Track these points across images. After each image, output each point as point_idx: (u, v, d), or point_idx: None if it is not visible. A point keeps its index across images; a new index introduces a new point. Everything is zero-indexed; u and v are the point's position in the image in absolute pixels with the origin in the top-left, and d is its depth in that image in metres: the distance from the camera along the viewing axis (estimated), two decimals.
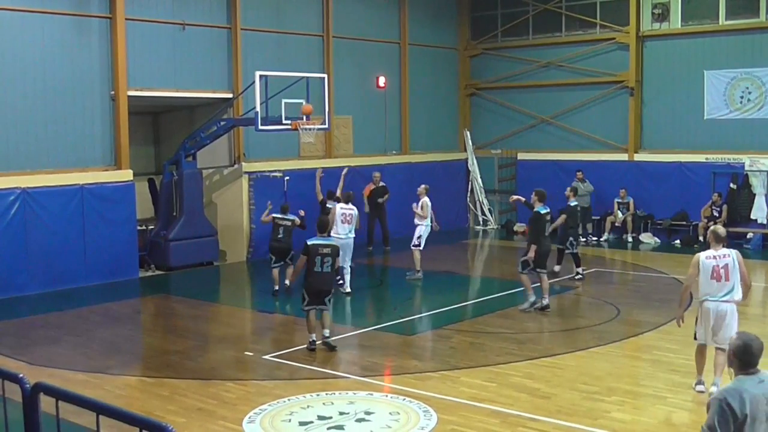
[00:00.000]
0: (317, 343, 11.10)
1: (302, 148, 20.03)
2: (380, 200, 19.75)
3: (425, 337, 12.04)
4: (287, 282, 15.02)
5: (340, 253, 11.93)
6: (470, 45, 24.74)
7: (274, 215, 15.29)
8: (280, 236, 14.98)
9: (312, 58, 20.41)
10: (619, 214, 21.64)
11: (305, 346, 11.19)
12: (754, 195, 20.11)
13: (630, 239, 21.42)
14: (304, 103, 16.90)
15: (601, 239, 21.50)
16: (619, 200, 21.70)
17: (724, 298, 8.94)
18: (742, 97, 20.42)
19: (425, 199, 16.75)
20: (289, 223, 15.04)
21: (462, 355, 11.06)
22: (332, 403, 8.93)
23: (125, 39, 16.61)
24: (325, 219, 11.90)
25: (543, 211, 13.54)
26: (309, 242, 10.90)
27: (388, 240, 20.03)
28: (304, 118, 16.79)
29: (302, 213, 15.58)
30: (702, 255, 9.01)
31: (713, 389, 8.62)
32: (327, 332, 11.12)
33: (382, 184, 19.81)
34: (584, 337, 11.73)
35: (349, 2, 21.32)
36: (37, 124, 15.67)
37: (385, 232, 19.97)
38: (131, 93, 16.84)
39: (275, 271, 15.02)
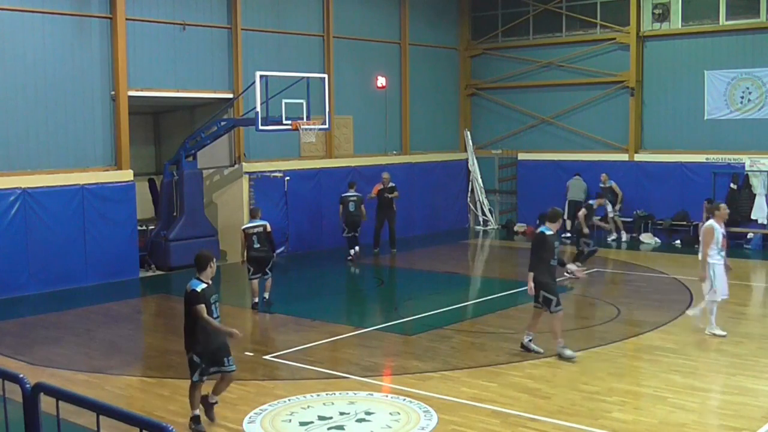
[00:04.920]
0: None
1: (303, 148, 20.03)
2: (389, 195, 19.57)
3: (426, 337, 12.03)
4: (266, 295, 14.05)
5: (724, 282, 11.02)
6: (471, 45, 24.74)
7: (244, 227, 14.00)
8: (256, 246, 13.69)
9: (312, 58, 20.41)
10: (608, 208, 21.30)
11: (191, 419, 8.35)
12: (755, 195, 20.12)
13: (624, 238, 21.33)
14: (303, 103, 16.98)
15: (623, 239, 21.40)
16: (602, 185, 21.37)
17: None
18: (742, 98, 20.42)
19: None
20: (260, 230, 13.77)
21: (462, 356, 11.05)
22: (333, 404, 8.93)
23: (125, 39, 16.61)
24: (204, 254, 8.43)
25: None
26: (196, 287, 8.16)
27: (395, 242, 19.92)
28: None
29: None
30: None
31: None
32: (216, 398, 8.52)
33: (391, 184, 19.80)
34: (584, 337, 11.73)
35: (349, 2, 21.32)
36: (38, 124, 15.68)
37: (393, 234, 19.84)
38: (131, 93, 16.85)
39: (254, 283, 14.01)
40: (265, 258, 13.88)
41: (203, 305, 8.04)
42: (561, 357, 10.42)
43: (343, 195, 18.76)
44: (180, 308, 14.83)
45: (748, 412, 8.53)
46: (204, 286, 8.16)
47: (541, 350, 10.63)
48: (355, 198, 18.65)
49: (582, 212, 16.55)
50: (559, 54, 23.19)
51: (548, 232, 10.67)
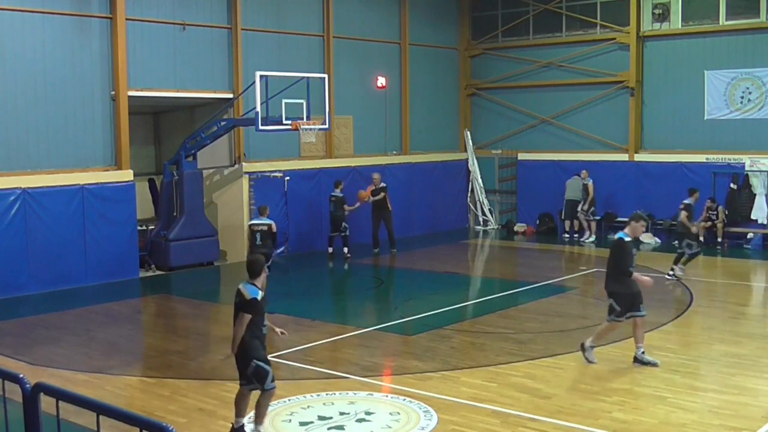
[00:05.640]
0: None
1: (303, 148, 20.03)
2: (371, 198, 19.55)
3: (426, 337, 12.03)
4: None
5: None
6: (471, 45, 24.74)
7: (251, 222, 14.51)
8: (258, 243, 14.01)
9: (312, 58, 20.41)
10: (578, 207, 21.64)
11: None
12: (755, 195, 20.11)
13: (591, 239, 21.33)
14: (303, 103, 17.00)
15: (584, 239, 21.48)
16: (583, 181, 21.64)
17: None
18: (742, 98, 20.41)
19: None
20: (264, 228, 14.15)
21: (462, 355, 11.05)
22: (333, 404, 8.93)
23: (125, 39, 16.61)
24: (259, 259, 8.10)
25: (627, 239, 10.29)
26: (256, 295, 7.72)
27: (394, 242, 19.89)
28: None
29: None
30: None
31: None
32: (262, 430, 7.97)
33: (383, 184, 19.78)
34: (584, 337, 11.70)
35: (349, 2, 21.32)
36: (38, 124, 15.68)
37: (391, 234, 19.79)
38: (131, 93, 16.85)
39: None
40: (266, 255, 13.95)
41: (250, 315, 7.60)
42: (583, 350, 10.30)
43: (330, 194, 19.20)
44: (180, 308, 14.94)
45: (748, 412, 8.53)
46: (261, 293, 7.76)
47: (658, 362, 10.13)
48: (335, 198, 18.95)
49: (684, 214, 15.81)
50: (559, 54, 23.19)
51: (626, 238, 10.04)
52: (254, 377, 7.71)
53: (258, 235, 14.08)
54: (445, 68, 24.41)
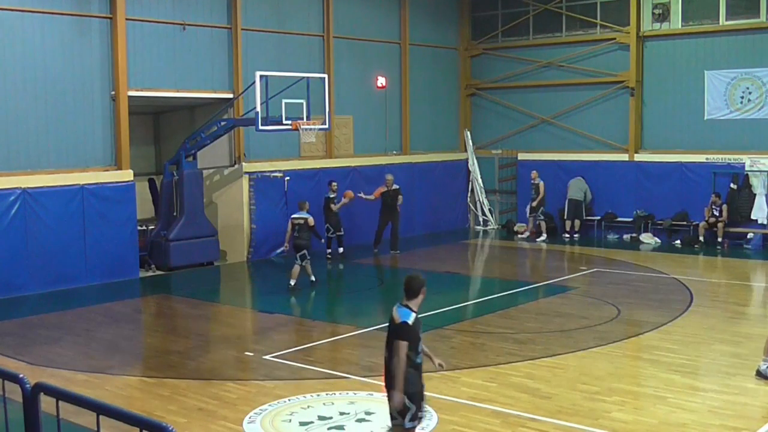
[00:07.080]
0: None
1: (303, 148, 20.03)
2: (393, 203, 19.68)
3: (426, 337, 11.90)
4: (312, 278, 15.74)
5: None
6: (471, 45, 24.74)
7: (291, 216, 15.85)
8: (296, 234, 15.68)
9: (312, 58, 20.41)
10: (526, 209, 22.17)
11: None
12: (755, 195, 20.11)
13: (542, 238, 21.71)
14: (303, 103, 17.01)
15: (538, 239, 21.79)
16: (533, 181, 22.08)
17: None
18: (742, 98, 20.41)
19: None
20: (302, 221, 15.59)
21: (462, 355, 11.05)
22: (333, 404, 8.93)
23: (125, 39, 16.61)
24: (419, 278, 7.02)
25: None
26: (407, 319, 6.80)
27: (398, 244, 19.89)
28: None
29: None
30: None
31: None
32: None
33: (395, 186, 19.78)
34: (584, 337, 11.73)
35: (349, 2, 21.32)
36: (38, 124, 15.67)
37: (396, 236, 19.81)
38: (131, 93, 16.85)
39: (295, 268, 15.47)
40: (303, 246, 15.55)
41: (406, 342, 6.68)
42: (763, 376, 9.55)
43: None
44: (180, 308, 14.94)
45: (748, 412, 8.54)
46: (414, 316, 6.83)
47: None
48: (324, 199, 19.17)
49: None
50: (559, 54, 23.19)
51: None
52: (396, 410, 6.83)
53: (297, 228, 15.57)
54: (445, 68, 24.41)
